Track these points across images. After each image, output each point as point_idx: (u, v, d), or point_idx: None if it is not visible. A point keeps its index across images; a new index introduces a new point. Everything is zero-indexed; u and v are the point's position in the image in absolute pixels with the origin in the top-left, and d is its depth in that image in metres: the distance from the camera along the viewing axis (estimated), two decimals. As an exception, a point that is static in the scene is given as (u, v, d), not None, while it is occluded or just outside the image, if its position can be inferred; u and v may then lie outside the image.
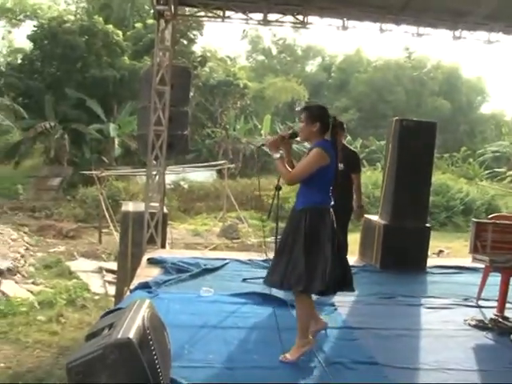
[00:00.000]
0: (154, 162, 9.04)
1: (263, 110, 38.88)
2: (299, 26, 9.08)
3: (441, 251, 17.31)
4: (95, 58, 28.86)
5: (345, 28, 8.84)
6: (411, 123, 7.94)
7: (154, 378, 3.25)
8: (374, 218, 8.54)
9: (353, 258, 8.61)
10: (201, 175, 27.30)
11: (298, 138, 4.40)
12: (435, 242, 18.97)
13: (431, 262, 8.57)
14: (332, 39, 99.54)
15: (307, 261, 4.05)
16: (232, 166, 25.09)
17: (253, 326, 5.11)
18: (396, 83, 42.94)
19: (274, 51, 49.66)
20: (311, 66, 50.72)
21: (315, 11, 9.14)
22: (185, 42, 31.34)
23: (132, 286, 6.40)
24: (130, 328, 3.23)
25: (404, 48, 45.95)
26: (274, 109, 40.77)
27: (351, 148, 7.53)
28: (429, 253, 16.11)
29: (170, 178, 24.55)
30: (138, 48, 30.10)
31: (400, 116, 8.66)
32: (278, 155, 4.18)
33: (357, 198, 7.02)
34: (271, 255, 7.13)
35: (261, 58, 49.86)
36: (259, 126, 35.72)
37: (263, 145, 4.35)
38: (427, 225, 8.22)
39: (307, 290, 4.18)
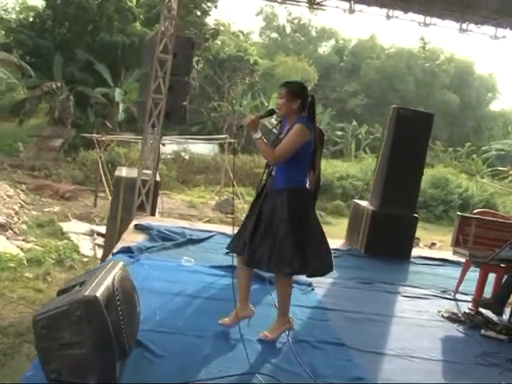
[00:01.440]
0: (151, 129, 9.05)
1: (271, 88, 38.64)
2: (306, 5, 9.03)
3: (433, 244, 17.40)
4: (106, 22, 28.72)
5: (351, 11, 8.78)
6: (408, 112, 7.93)
7: (118, 338, 3.30)
8: (364, 203, 8.58)
9: (339, 242, 8.70)
10: (202, 148, 27.31)
11: (277, 114, 4.35)
12: (430, 235, 19.10)
13: (416, 252, 8.61)
14: (347, 23, 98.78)
15: (294, 243, 4.08)
16: (233, 141, 25.05)
17: (228, 298, 5.14)
18: (407, 73, 42.73)
19: (288, 30, 49.38)
20: (324, 48, 50.47)
21: (323, -9, 9.07)
22: (198, 13, 31.09)
23: (115, 250, 6.47)
24: (99, 287, 3.28)
25: (419, 38, 45.58)
26: (283, 88, 40.53)
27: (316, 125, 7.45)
28: (421, 244, 16.26)
29: (171, 147, 24.61)
30: (151, 15, 29.90)
31: (408, 106, 8.65)
32: (258, 135, 4.08)
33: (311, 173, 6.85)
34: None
35: (274, 35, 49.60)
36: (266, 104, 35.61)
37: (242, 126, 4.26)
38: (415, 215, 8.24)
39: (295, 272, 4.30)
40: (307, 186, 4.28)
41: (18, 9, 39.00)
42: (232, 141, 24.46)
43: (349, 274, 6.73)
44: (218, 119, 33.73)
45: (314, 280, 6.06)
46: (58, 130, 28.06)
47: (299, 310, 5.04)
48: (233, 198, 4.73)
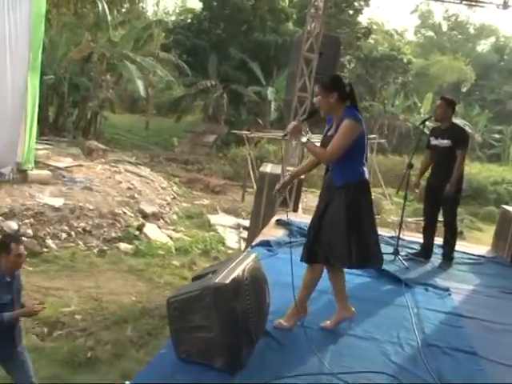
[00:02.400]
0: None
1: (425, 88, 37.73)
2: (457, 1, 8.71)
3: None
4: (260, 22, 29.53)
5: (506, 6, 8.33)
6: None
7: (245, 326, 3.44)
8: (513, 209, 8.13)
9: (485, 248, 8.32)
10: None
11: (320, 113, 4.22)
12: None
13: None
14: (509, 19, 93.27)
15: (349, 237, 3.99)
16: (382, 141, 24.69)
17: (359, 297, 5.13)
18: None
19: (445, 28, 47.82)
20: (483, 46, 48.31)
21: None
22: (350, 12, 31.01)
23: (254, 243, 6.66)
24: (229, 276, 3.43)
25: None
26: (437, 88, 39.34)
27: (461, 126, 7.09)
28: None
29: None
30: (303, 15, 30.24)
31: None
32: (304, 139, 3.98)
33: (453, 174, 6.43)
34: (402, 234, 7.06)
35: (429, 34, 48.25)
36: (419, 104, 34.80)
37: (286, 134, 4.09)
38: None
39: (352, 266, 4.24)
40: (366, 176, 4.11)
41: (177, 11, 41.21)
42: (382, 141, 24.18)
43: (491, 282, 6.40)
44: (368, 119, 33.41)
45: (452, 286, 5.89)
46: (211, 127, 29.27)
47: (433, 315, 4.92)
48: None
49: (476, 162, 29.87)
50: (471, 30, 47.55)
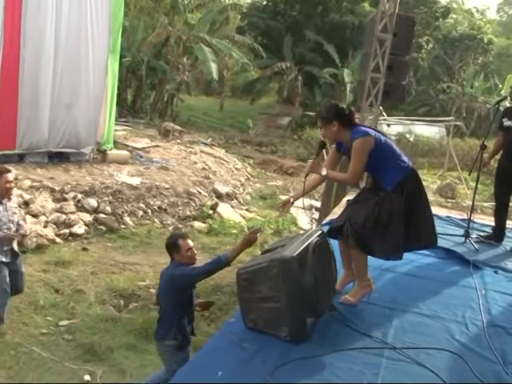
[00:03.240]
0: (369, 108, 9.20)
1: (507, 68, 36.36)
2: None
3: None
4: (335, 2, 29.23)
5: None
6: None
7: (311, 299, 3.56)
8: None
9: None
10: (428, 130, 26.71)
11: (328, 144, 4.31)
12: None
13: None
14: None
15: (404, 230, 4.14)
16: (458, 123, 24.09)
17: (426, 276, 5.17)
18: None
19: (530, 5, 45.86)
20: None
21: None
22: (428, -9, 30.31)
23: (323, 222, 6.76)
24: (296, 250, 3.57)
25: None
26: (520, 69, 37.93)
27: None
28: None
29: (396, 128, 24.50)
30: (380, -5, 29.82)
31: None
32: (324, 172, 4.10)
33: None
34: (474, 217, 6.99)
35: (513, 11, 46.43)
36: (500, 86, 33.63)
37: (307, 175, 4.27)
38: None
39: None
40: (410, 164, 4.17)
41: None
42: (458, 123, 23.61)
43: None
44: (446, 101, 32.60)
45: (523, 269, 5.80)
46: (286, 109, 29.35)
47: (500, 297, 4.87)
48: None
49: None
50: (559, 7, 45.60)
